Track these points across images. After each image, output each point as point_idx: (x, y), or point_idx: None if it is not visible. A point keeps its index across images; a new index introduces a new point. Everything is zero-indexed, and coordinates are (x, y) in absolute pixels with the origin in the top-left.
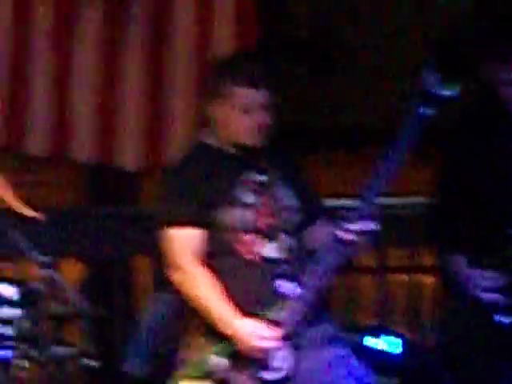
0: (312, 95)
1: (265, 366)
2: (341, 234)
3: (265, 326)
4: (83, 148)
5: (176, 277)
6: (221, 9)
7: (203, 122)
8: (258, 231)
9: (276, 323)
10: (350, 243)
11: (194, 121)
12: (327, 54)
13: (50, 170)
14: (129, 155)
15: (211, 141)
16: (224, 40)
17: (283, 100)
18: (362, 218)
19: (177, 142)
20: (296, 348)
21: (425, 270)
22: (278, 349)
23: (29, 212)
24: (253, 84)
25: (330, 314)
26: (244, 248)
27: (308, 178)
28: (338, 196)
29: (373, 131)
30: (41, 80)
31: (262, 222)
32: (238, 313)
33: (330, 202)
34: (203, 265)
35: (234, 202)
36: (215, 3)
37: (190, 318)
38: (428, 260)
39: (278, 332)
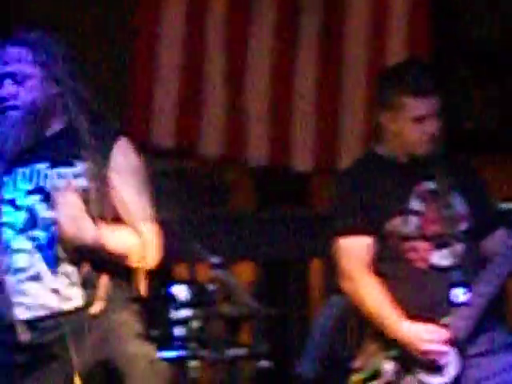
0: (481, 98)
1: (432, 370)
2: None
3: (434, 330)
4: (256, 150)
5: (346, 285)
6: (394, 20)
7: (374, 131)
8: (428, 239)
9: (446, 328)
10: None
11: (363, 127)
12: (494, 59)
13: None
14: (301, 156)
15: (382, 151)
16: (396, 49)
17: (453, 105)
18: None
19: (347, 144)
20: (465, 355)
21: None
22: (446, 353)
23: None
24: (422, 94)
25: (503, 321)
26: (415, 255)
27: (485, 184)
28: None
29: None
30: (214, 83)
31: (432, 230)
32: (406, 318)
33: (505, 206)
34: (372, 273)
35: (405, 211)
36: (388, 15)
37: (361, 325)
38: None
39: (446, 336)
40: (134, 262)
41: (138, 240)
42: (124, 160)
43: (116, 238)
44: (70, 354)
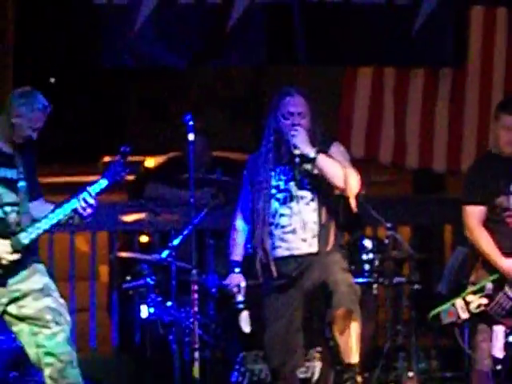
0: None
1: None
2: None
3: None
4: (412, 156)
5: (469, 235)
6: None
7: (491, 137)
8: None
9: None
10: None
11: (478, 139)
12: None
13: (391, 172)
14: (439, 161)
15: (494, 150)
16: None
17: None
18: None
19: (468, 153)
20: None
21: None
22: None
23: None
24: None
25: None
26: (511, 220)
27: None
28: None
29: None
30: (388, 116)
31: None
32: (503, 255)
33: None
34: (484, 228)
35: (507, 192)
36: None
37: (477, 260)
38: None
39: None
40: (341, 183)
41: (344, 170)
42: (337, 150)
43: (332, 162)
44: (304, 281)
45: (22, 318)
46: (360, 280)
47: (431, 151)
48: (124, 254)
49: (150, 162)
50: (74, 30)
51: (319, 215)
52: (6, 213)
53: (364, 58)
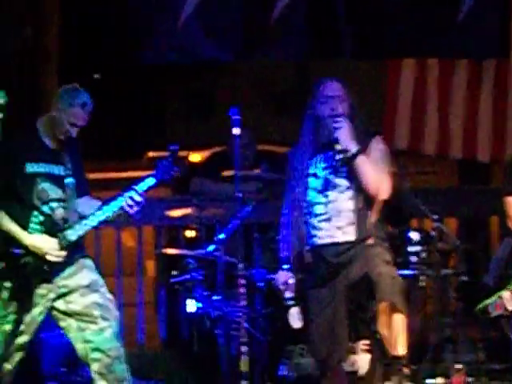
0: None
1: None
2: None
3: None
4: (456, 146)
5: (510, 225)
6: None
7: None
8: None
9: None
10: None
11: None
12: None
13: (434, 162)
14: (483, 152)
15: None
16: None
17: None
18: None
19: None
20: None
21: None
22: None
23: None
24: None
25: None
26: None
27: None
28: None
29: None
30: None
31: None
32: None
33: None
34: None
35: None
36: None
37: None
38: None
39: None
40: (374, 188)
41: (378, 177)
42: (376, 146)
43: (369, 166)
44: (346, 274)
45: (69, 314)
46: (406, 272)
47: (475, 141)
48: (170, 250)
49: (195, 157)
50: (118, 25)
51: (355, 203)
52: (52, 209)
53: (408, 50)
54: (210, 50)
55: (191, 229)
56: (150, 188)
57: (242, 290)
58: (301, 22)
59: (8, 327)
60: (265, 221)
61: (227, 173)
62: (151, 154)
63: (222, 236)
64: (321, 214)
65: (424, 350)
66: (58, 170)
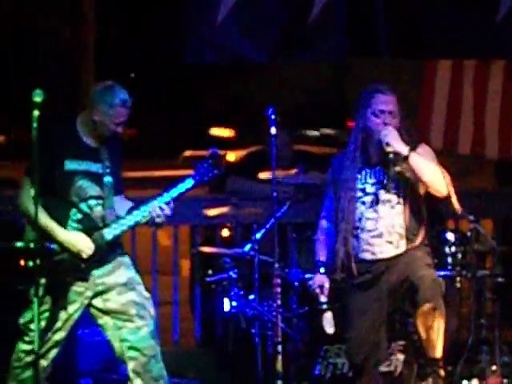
0: None
1: None
2: None
3: None
4: (492, 147)
5: None
6: None
7: None
8: None
9: None
10: None
11: None
12: None
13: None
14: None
15: None
16: None
17: None
18: None
19: None
20: None
21: None
22: None
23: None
24: None
25: None
26: None
27: None
28: None
29: None
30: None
31: None
32: None
33: None
34: None
35: None
36: None
37: None
38: None
39: None
40: (435, 181)
41: (436, 169)
42: (424, 150)
43: (425, 160)
44: (388, 276)
45: (106, 312)
46: (443, 273)
47: (511, 142)
48: (206, 249)
49: (232, 156)
50: (156, 26)
51: (405, 218)
52: (90, 207)
53: (444, 51)
54: (247, 51)
55: (227, 228)
56: (187, 190)
57: (277, 290)
58: (339, 22)
59: (43, 324)
60: (301, 220)
61: (263, 175)
62: (187, 153)
63: (258, 235)
64: (372, 230)
65: (460, 351)
66: (96, 167)
